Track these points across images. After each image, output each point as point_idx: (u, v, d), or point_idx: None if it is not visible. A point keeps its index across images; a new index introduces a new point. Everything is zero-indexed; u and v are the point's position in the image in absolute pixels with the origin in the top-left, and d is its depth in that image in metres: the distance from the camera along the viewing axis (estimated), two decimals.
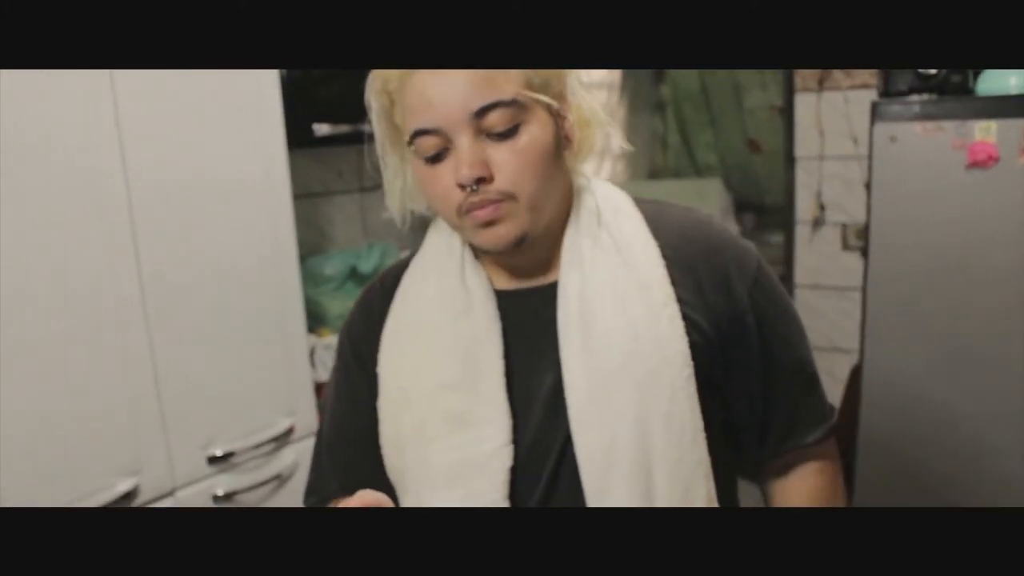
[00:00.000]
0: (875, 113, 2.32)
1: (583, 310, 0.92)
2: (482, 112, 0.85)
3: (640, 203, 1.01)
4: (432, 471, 0.94)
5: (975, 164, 2.19)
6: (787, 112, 3.11)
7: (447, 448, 0.92)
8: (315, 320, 2.17)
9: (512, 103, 0.86)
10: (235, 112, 1.68)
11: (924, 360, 2.35)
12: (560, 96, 0.91)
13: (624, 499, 0.88)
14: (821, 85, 2.97)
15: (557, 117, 0.91)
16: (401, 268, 1.06)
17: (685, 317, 0.92)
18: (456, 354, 0.94)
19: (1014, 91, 2.21)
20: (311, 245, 2.37)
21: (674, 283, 0.93)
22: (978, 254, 2.25)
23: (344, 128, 2.09)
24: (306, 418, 1.86)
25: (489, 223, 0.88)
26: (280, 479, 1.78)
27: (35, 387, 1.37)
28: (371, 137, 0.97)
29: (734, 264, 0.96)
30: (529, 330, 0.95)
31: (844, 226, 3.03)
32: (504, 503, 0.91)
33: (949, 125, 2.22)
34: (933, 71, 2.28)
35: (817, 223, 3.07)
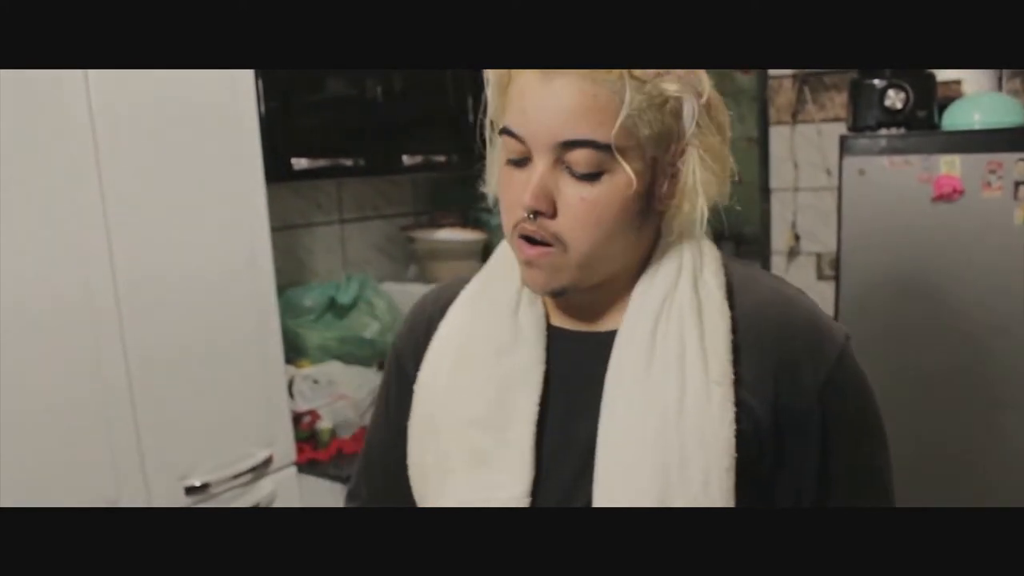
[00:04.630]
0: (844, 147, 2.37)
1: (635, 369, 0.84)
2: (569, 145, 0.79)
3: (731, 265, 0.91)
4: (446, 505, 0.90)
5: (940, 197, 2.24)
6: (762, 144, 3.16)
7: (463, 484, 0.88)
8: (294, 351, 2.19)
9: (604, 148, 0.78)
10: (214, 147, 1.70)
11: (893, 387, 2.39)
12: (673, 156, 0.83)
13: None
14: (795, 118, 3.02)
15: (661, 175, 0.84)
16: (460, 284, 0.99)
17: (740, 402, 0.82)
18: (491, 391, 0.88)
19: (978, 126, 2.27)
20: (290, 276, 2.39)
21: (737, 361, 0.83)
22: (944, 284, 2.30)
23: (322, 162, 2.12)
24: (284, 449, 1.87)
25: (528, 263, 0.83)
26: None
27: (10, 418, 1.38)
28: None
29: (807, 352, 0.84)
30: (575, 378, 0.88)
31: (819, 256, 3.07)
32: None
33: (915, 159, 2.28)
34: (900, 106, 2.34)
35: (792, 253, 3.11)
